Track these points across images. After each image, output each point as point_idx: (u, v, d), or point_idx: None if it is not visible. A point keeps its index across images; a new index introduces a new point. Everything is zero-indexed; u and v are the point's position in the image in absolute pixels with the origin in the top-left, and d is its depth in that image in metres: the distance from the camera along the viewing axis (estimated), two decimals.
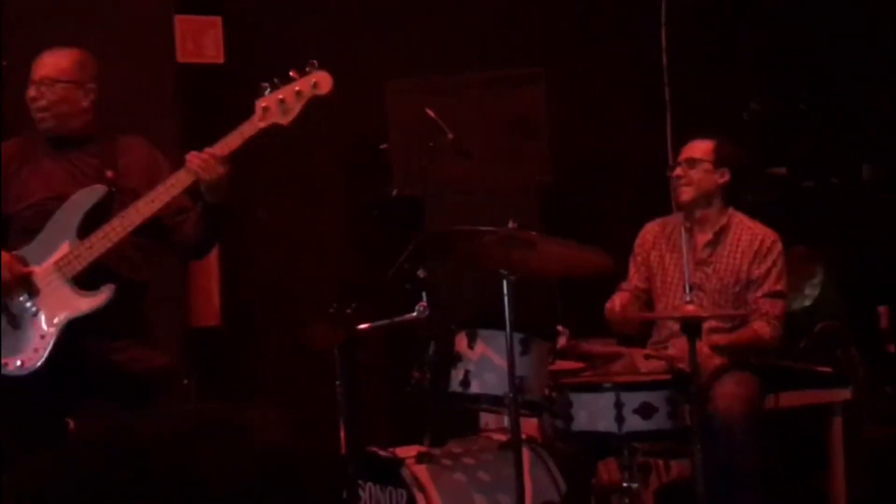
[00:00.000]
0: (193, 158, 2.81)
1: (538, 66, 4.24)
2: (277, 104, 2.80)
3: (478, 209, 3.74)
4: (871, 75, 4.51)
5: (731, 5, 4.67)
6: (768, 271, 3.39)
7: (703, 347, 3.19)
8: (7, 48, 3.63)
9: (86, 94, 2.97)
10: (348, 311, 2.96)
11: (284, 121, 2.80)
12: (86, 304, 2.81)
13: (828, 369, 3.64)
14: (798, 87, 4.59)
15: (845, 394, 3.57)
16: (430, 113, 3.52)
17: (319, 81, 2.80)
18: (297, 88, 2.81)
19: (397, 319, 3.24)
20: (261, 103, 2.81)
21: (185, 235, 2.94)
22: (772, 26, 4.60)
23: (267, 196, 4.17)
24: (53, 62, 2.96)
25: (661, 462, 3.69)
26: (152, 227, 2.89)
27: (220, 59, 4.04)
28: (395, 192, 3.49)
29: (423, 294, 3.30)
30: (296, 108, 2.80)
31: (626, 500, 3.03)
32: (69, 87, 2.94)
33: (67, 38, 3.80)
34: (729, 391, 3.19)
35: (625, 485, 3.05)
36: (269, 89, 2.81)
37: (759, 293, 3.39)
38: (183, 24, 4.01)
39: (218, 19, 4.06)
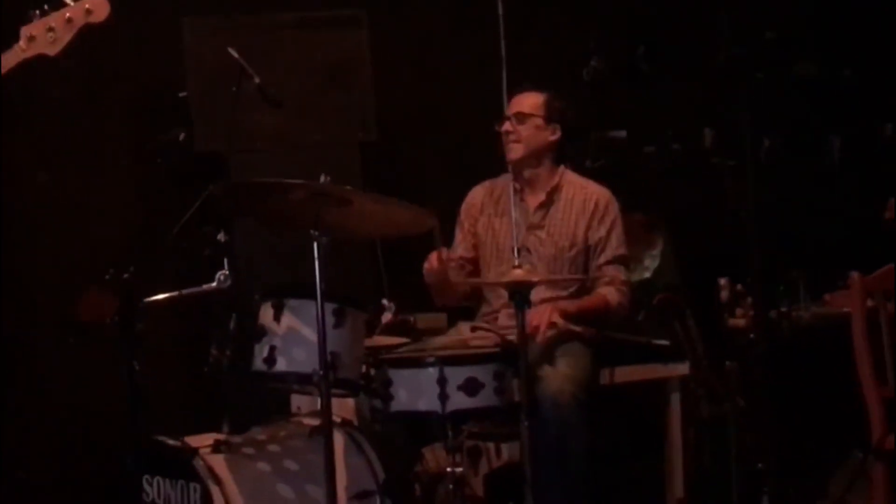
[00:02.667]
0: None
1: (360, 7, 4.05)
2: (45, 32, 2.65)
3: (291, 167, 3.53)
4: (714, 36, 4.56)
5: None
6: (608, 234, 3.38)
7: (542, 316, 3.11)
8: None
9: None
10: (125, 276, 2.70)
11: (52, 51, 2.66)
12: None
13: (665, 343, 3.65)
14: (639, 46, 4.59)
15: (683, 369, 3.59)
16: (233, 53, 3.29)
17: (94, 8, 2.66)
18: (67, 15, 2.66)
19: (193, 290, 3.01)
20: (26, 31, 2.65)
21: None
22: None
23: (43, 149, 3.83)
24: None
25: (491, 446, 3.63)
26: None
27: None
28: (181, 137, 3.25)
29: (225, 261, 3.07)
30: (65, 37, 2.66)
31: (451, 487, 2.91)
32: None
33: None
34: (559, 372, 3.13)
35: (449, 469, 2.93)
36: (37, 15, 2.65)
37: (602, 260, 3.38)
38: None
39: None
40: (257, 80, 3.32)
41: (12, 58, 2.63)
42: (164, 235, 3.30)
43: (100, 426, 3.68)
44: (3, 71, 2.63)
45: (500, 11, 4.43)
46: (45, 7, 2.64)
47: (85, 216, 3.90)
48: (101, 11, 2.65)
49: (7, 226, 3.70)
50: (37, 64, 2.81)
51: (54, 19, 2.64)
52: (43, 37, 2.63)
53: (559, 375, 3.12)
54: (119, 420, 2.94)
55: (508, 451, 3.62)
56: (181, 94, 3.70)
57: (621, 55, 4.61)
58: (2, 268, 3.67)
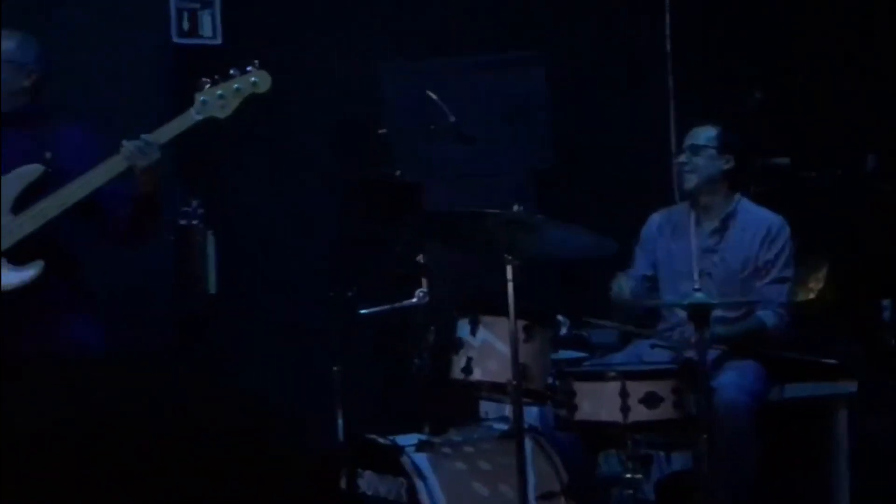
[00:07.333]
0: (128, 145, 2.92)
1: (539, 49, 4.20)
2: (216, 99, 2.95)
3: (475, 194, 3.71)
4: (878, 64, 4.49)
5: None
6: (776, 257, 3.41)
7: None
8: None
9: (28, 75, 3.07)
10: (349, 294, 2.93)
11: (221, 115, 2.96)
12: (15, 278, 2.93)
13: (833, 361, 3.62)
14: (802, 74, 4.57)
15: (851, 386, 3.55)
16: (432, 95, 3.49)
17: (259, 80, 2.97)
18: (236, 85, 2.96)
19: (398, 305, 3.21)
20: (200, 96, 2.96)
21: (118, 222, 3.05)
22: (778, 13, 4.59)
23: (259, 180, 4.13)
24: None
25: (661, 454, 3.68)
26: (88, 211, 3.00)
27: (218, 40, 4.00)
28: (398, 173, 3.46)
29: (423, 279, 3.27)
30: (233, 103, 2.96)
31: (630, 492, 3.00)
32: (10, 66, 3.04)
33: (57, 13, 3.75)
34: (732, 381, 3.18)
35: (628, 476, 3.03)
36: (209, 84, 2.97)
37: (766, 280, 3.40)
38: (179, 3, 3.96)
39: None
40: (453, 118, 3.50)
41: (187, 120, 2.95)
42: (370, 255, 3.50)
43: (309, 424, 3.91)
44: (178, 131, 2.95)
45: (668, 48, 4.52)
46: (216, 77, 2.95)
47: (293, 237, 4.13)
48: (265, 83, 2.95)
49: (231, 244, 4.01)
50: (248, 105, 3.10)
51: (224, 87, 2.94)
52: (214, 102, 2.93)
53: (733, 386, 3.18)
54: (323, 419, 3.16)
55: (678, 460, 3.67)
56: (381, 131, 3.93)
57: (784, 85, 4.59)
58: (225, 283, 3.97)
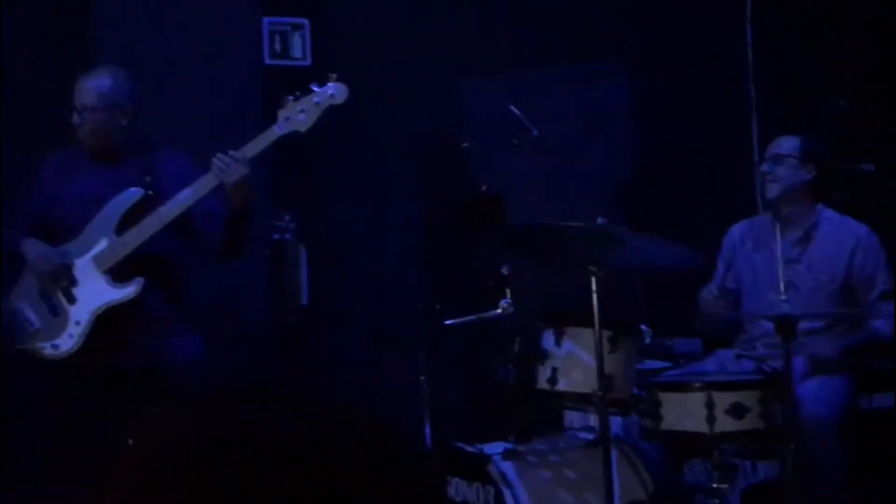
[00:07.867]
0: (217, 161, 3.01)
1: (621, 60, 4.16)
2: (297, 114, 3.05)
3: (559, 206, 3.68)
4: None
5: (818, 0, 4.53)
6: (875, 270, 3.34)
7: None
8: (101, 51, 3.73)
9: (124, 114, 3.18)
10: (437, 306, 2.94)
11: (302, 128, 3.05)
12: (118, 294, 3.07)
13: None
14: (886, 80, 4.42)
15: None
16: (515, 110, 3.49)
17: (336, 93, 3.06)
18: (315, 99, 3.05)
19: (487, 315, 3.21)
20: (283, 113, 3.06)
21: (213, 238, 3.15)
22: (858, 19, 4.45)
23: (348, 195, 4.19)
24: (93, 90, 3.16)
25: (748, 463, 3.60)
26: (184, 228, 3.11)
27: (307, 61, 4.08)
28: (483, 188, 3.46)
29: (508, 291, 3.26)
30: (313, 117, 3.05)
31: (716, 501, 2.95)
32: (108, 112, 3.16)
33: (156, 39, 3.86)
34: (816, 394, 3.11)
35: (715, 485, 2.97)
36: (291, 100, 3.06)
37: (873, 295, 3.34)
38: (271, 26, 4.05)
39: (305, 21, 4.10)
40: (535, 132, 3.49)
41: (271, 136, 3.04)
42: (455, 267, 3.50)
43: (407, 431, 3.94)
44: (263, 146, 3.04)
45: (750, 57, 4.42)
46: (297, 93, 3.04)
47: (381, 250, 4.19)
48: (342, 95, 3.03)
49: (321, 257, 4.06)
50: (336, 122, 3.15)
51: (304, 103, 3.02)
52: (295, 118, 3.01)
53: (817, 398, 3.10)
54: (412, 427, 3.17)
55: (764, 469, 3.58)
56: (464, 145, 3.94)
57: (868, 92, 4.45)
58: (316, 295, 4.02)
